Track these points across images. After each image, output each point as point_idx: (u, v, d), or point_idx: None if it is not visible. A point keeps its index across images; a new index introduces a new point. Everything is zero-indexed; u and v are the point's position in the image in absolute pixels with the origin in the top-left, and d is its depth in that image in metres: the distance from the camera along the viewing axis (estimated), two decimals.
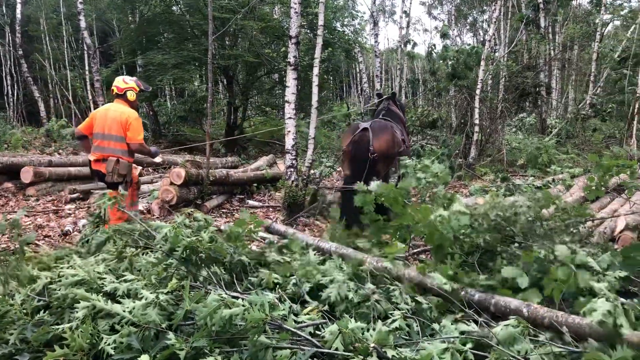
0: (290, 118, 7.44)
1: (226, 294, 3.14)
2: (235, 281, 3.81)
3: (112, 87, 5.63)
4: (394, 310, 3.33)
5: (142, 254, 3.86)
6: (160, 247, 3.68)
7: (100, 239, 4.11)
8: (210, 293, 3.04)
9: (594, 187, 5.33)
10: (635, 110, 14.41)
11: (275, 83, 18.91)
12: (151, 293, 2.98)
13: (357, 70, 31.13)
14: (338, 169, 12.81)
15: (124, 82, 5.59)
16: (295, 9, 7.30)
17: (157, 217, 7.32)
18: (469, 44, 18.50)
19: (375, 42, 23.83)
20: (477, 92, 12.26)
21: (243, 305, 2.69)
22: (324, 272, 3.89)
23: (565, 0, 17.71)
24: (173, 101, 23.80)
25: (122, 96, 5.55)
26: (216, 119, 22.45)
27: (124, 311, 2.78)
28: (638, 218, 6.13)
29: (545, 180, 10.00)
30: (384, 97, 8.06)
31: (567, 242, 4.11)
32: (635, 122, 14.35)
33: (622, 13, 23.02)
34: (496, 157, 13.46)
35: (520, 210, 4.74)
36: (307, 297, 3.59)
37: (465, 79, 12.89)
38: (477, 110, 12.40)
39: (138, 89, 5.64)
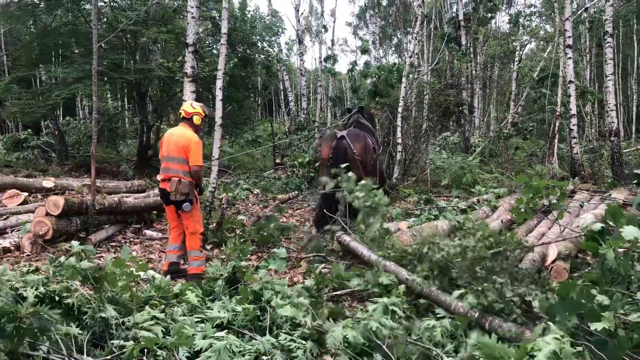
0: None
1: None
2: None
3: (180, 111, 5.90)
4: None
5: None
6: None
7: None
8: None
9: (522, 210, 4.86)
10: (556, 128, 14.45)
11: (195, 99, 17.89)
12: None
13: (282, 88, 30.51)
14: (255, 192, 11.97)
15: (191, 106, 5.82)
16: (192, 13, 6.47)
17: (28, 255, 6.19)
18: (393, 63, 18.25)
19: (301, 60, 23.34)
20: (399, 110, 11.79)
21: None
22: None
23: (484, 19, 17.75)
24: (83, 120, 22.21)
25: (188, 120, 5.76)
26: (132, 139, 21.11)
27: None
28: (569, 245, 5.64)
29: (470, 202, 9.56)
30: (353, 111, 8.80)
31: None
32: (556, 141, 14.38)
33: (539, 34, 23.63)
34: (420, 177, 13.02)
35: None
36: None
37: (387, 96, 12.43)
38: (399, 129, 11.91)
39: (203, 114, 5.85)
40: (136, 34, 12.99)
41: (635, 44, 30.82)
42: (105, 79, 15.16)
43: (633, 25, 29.85)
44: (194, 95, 6.52)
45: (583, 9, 23.43)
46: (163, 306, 3.94)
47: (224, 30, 6.98)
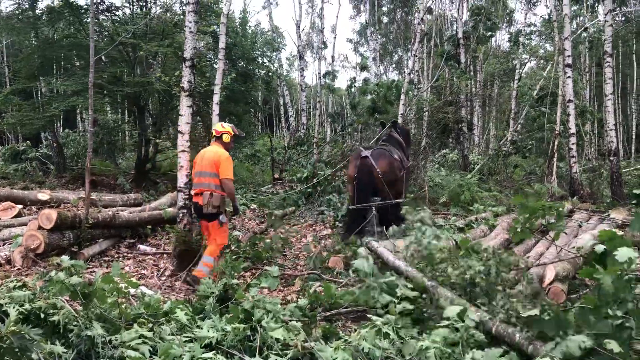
0: (183, 151, 6.50)
1: None
2: None
3: (212, 130, 6.35)
4: None
5: None
6: None
7: None
8: None
9: (519, 230, 4.82)
10: (555, 147, 14.42)
11: (193, 113, 17.88)
12: None
13: (282, 103, 30.60)
14: (252, 207, 11.90)
15: (222, 126, 6.28)
16: (190, 28, 6.45)
17: (19, 269, 6.12)
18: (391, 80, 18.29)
19: (302, 76, 23.42)
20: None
21: None
22: None
23: (483, 37, 17.82)
24: (82, 132, 22.20)
25: (219, 138, 6.17)
26: (131, 152, 21.08)
27: None
28: (567, 266, 5.58)
29: (468, 220, 9.50)
30: (387, 125, 9.65)
31: None
32: (555, 159, 14.34)
33: (539, 53, 23.71)
34: (419, 195, 12.95)
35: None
36: None
37: (385, 113, 12.41)
38: None
39: (232, 133, 6.25)
40: (136, 47, 13.00)
41: (635, 63, 30.94)
42: (105, 91, 15.18)
43: (632, 45, 29.98)
44: (191, 110, 6.49)
45: (582, 28, 23.55)
46: (151, 324, 3.86)
47: (221, 45, 6.98)
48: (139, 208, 9.54)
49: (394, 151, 8.25)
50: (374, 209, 7.64)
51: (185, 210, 6.55)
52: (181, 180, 6.54)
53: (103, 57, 14.17)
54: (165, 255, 7.47)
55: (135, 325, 3.72)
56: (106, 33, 14.47)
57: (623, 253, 2.94)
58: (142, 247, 7.85)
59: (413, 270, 5.26)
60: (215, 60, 7.42)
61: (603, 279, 2.95)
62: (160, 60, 14.72)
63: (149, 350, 3.41)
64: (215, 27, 13.65)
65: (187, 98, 6.46)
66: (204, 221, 6.07)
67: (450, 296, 4.38)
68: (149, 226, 8.48)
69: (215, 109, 6.87)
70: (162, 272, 6.59)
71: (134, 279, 5.54)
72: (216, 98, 6.87)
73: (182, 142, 6.49)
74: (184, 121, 6.49)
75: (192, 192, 6.16)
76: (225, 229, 6.13)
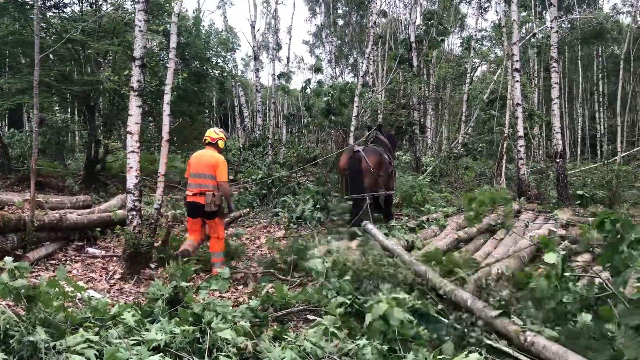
0: (133, 152, 6.38)
1: None
2: None
3: (206, 137, 6.85)
4: None
5: None
6: None
7: None
8: None
9: (472, 216, 5.16)
10: (504, 149, 14.81)
11: (145, 113, 17.54)
12: None
13: (237, 104, 30.38)
14: None
15: (215, 133, 6.83)
16: (140, 27, 6.33)
17: None
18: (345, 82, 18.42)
19: (257, 77, 23.32)
20: (352, 128, 11.86)
21: None
22: None
23: (435, 41, 18.16)
24: (29, 132, 21.48)
25: (214, 144, 6.78)
26: (80, 153, 20.50)
27: None
28: (513, 265, 5.75)
29: (420, 220, 9.66)
30: (373, 129, 10.51)
31: None
32: (504, 161, 14.73)
33: (489, 58, 24.30)
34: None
35: None
36: None
37: (340, 115, 12.48)
38: None
39: (225, 139, 6.98)
40: (85, 45, 12.66)
41: (580, 69, 32.12)
42: (53, 90, 14.72)
43: (578, 51, 31.11)
44: (140, 110, 6.37)
45: (531, 34, 24.28)
46: (98, 328, 3.78)
47: (172, 44, 6.89)
48: (88, 210, 9.31)
49: (382, 151, 9.17)
50: (367, 199, 8.54)
51: (135, 212, 6.42)
52: (131, 181, 6.42)
53: (51, 55, 13.76)
54: (114, 258, 7.31)
55: (81, 329, 3.64)
56: (54, 30, 14.03)
57: (550, 257, 3.08)
58: (90, 249, 7.66)
59: (400, 249, 6.37)
60: (168, 60, 7.34)
61: (539, 282, 3.08)
62: (110, 59, 14.38)
63: (95, 354, 3.35)
64: (167, 26, 13.43)
65: (136, 98, 6.34)
66: (200, 218, 6.65)
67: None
68: (98, 228, 8.28)
69: (166, 109, 6.76)
70: (111, 275, 6.45)
71: (81, 283, 5.44)
72: (167, 98, 6.76)
73: (132, 142, 6.37)
74: (134, 121, 6.37)
75: (189, 192, 6.62)
76: (223, 223, 6.81)
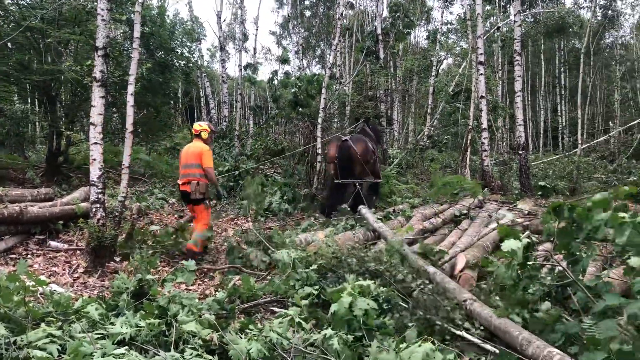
0: (96, 143, 6.26)
1: None
2: None
3: (192, 129, 7.45)
4: None
5: None
6: None
7: None
8: None
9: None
10: (468, 141, 15.03)
11: (109, 104, 17.18)
12: None
13: (203, 95, 30.02)
14: (171, 201, 11.65)
15: (199, 125, 7.36)
16: (102, 16, 6.20)
17: None
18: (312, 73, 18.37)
19: (223, 67, 23.06)
20: (319, 120, 11.86)
21: None
22: None
23: (402, 34, 18.26)
24: None
25: (198, 136, 7.28)
26: (42, 144, 19.96)
27: None
28: (477, 254, 5.85)
29: (386, 212, 9.74)
30: (361, 120, 11.52)
31: None
32: (468, 153, 14.95)
33: (454, 51, 24.56)
34: None
35: None
36: None
37: (307, 107, 12.45)
38: (319, 139, 11.99)
39: (209, 130, 7.37)
40: (45, 33, 12.30)
41: (543, 62, 32.77)
42: (12, 79, 14.29)
43: (541, 45, 31.72)
44: (103, 101, 6.24)
45: (495, 28, 24.65)
46: (61, 323, 3.72)
47: (136, 34, 6.78)
48: (50, 203, 9.09)
49: (367, 140, 9.86)
50: (357, 184, 9.40)
51: (98, 205, 6.31)
52: (94, 173, 6.30)
53: (9, 44, 13.36)
54: (78, 252, 7.18)
55: (43, 324, 3.58)
56: (12, 18, 13.60)
57: (509, 244, 3.16)
58: (53, 243, 7.50)
59: (386, 229, 7.07)
60: (132, 50, 7.21)
61: (498, 269, 3.15)
62: (72, 49, 14.02)
63: (58, 349, 3.30)
64: (131, 15, 13.17)
65: (99, 88, 6.22)
66: (191, 205, 7.14)
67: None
68: (61, 222, 8.09)
69: (130, 99, 6.64)
70: (74, 269, 6.34)
71: (43, 277, 5.32)
72: (131, 89, 6.64)
73: (95, 134, 6.24)
74: (97, 112, 6.25)
75: (179, 182, 7.17)
76: (208, 211, 7.31)
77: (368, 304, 3.63)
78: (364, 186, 9.90)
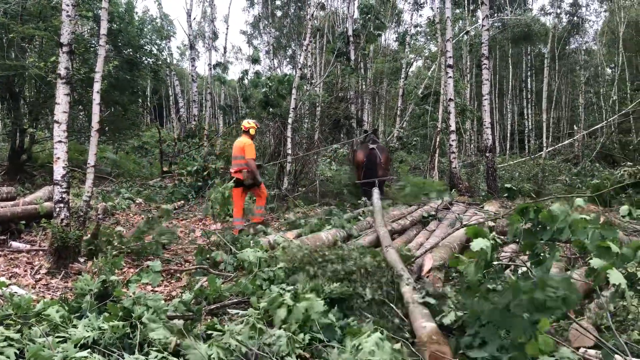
0: (60, 142, 6.12)
1: None
2: None
3: (241, 126, 8.80)
4: None
5: None
6: None
7: None
8: None
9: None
10: (437, 143, 15.20)
11: (75, 102, 16.82)
12: None
13: (172, 93, 29.68)
14: (138, 201, 11.48)
15: (247, 123, 8.65)
16: (67, 11, 6.07)
17: None
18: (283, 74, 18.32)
19: (193, 66, 22.86)
20: (290, 121, 11.84)
21: None
22: None
23: (372, 36, 18.35)
24: None
25: (246, 132, 8.54)
26: (4, 142, 19.44)
27: None
28: (444, 255, 5.91)
29: (356, 212, 9.77)
30: (369, 132, 13.56)
31: None
32: (437, 155, 15.11)
33: (424, 54, 24.82)
34: (310, 188, 13.13)
35: None
36: None
37: (278, 107, 12.42)
38: (289, 140, 11.96)
39: (256, 127, 8.74)
40: (8, 28, 11.99)
41: (510, 66, 33.36)
42: None
43: (508, 49, 32.29)
44: (68, 98, 6.10)
45: (464, 31, 24.98)
46: (20, 326, 3.63)
47: (103, 31, 6.66)
48: (12, 202, 8.87)
49: (386, 150, 12.52)
50: (377, 182, 11.25)
51: (62, 205, 6.17)
52: (58, 172, 6.16)
53: None
54: (40, 252, 7.01)
55: (1, 327, 3.47)
56: None
57: (477, 243, 3.21)
58: (14, 243, 7.31)
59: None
60: (98, 47, 7.09)
61: (467, 268, 3.19)
62: (37, 45, 13.70)
63: (16, 353, 3.21)
64: (98, 11, 12.92)
65: (64, 86, 6.08)
66: (238, 190, 8.19)
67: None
68: (23, 222, 7.91)
69: (96, 97, 6.51)
70: (36, 270, 6.18)
71: (3, 278, 5.18)
72: (97, 86, 6.51)
73: (59, 132, 6.10)
74: (61, 110, 6.11)
75: (231, 170, 8.41)
76: (263, 189, 8.67)
77: (307, 309, 3.80)
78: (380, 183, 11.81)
